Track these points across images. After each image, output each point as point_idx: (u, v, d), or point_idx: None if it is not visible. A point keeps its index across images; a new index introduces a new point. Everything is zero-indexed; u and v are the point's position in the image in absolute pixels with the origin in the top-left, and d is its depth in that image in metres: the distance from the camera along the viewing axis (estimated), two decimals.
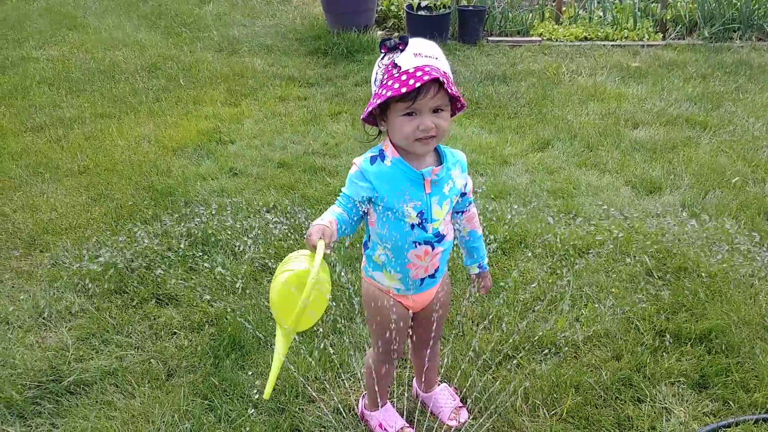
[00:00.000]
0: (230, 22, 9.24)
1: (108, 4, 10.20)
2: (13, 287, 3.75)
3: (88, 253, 4.00)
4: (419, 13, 8.13)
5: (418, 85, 1.95)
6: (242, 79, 7.08)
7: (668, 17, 8.56)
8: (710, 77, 6.89)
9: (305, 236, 1.99)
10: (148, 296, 3.61)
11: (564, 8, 8.99)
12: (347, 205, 2.18)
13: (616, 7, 8.90)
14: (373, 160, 2.17)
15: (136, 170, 5.06)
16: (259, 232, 4.13)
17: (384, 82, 2.02)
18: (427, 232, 2.22)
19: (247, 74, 7.21)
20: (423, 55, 2.01)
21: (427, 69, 1.98)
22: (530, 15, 8.78)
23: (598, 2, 9.12)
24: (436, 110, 2.05)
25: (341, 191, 2.20)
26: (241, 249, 3.96)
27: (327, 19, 8.63)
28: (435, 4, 8.26)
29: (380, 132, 2.22)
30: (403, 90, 1.96)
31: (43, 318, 3.48)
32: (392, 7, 8.90)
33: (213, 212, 4.38)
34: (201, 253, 3.94)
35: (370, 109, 2.06)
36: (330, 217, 2.09)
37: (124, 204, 4.56)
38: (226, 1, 10.25)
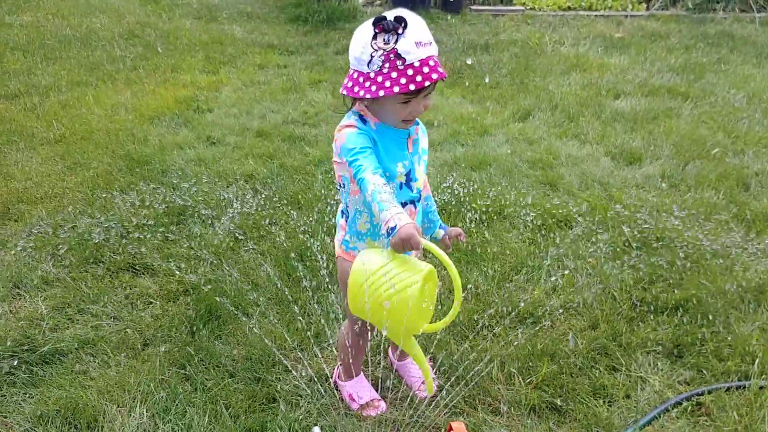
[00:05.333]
0: None
1: None
2: None
3: (63, 222, 3.95)
4: None
5: (427, 84, 1.96)
6: (221, 46, 6.99)
7: None
8: (693, 48, 6.88)
9: (401, 239, 1.86)
10: (124, 266, 3.57)
11: None
12: (374, 159, 2.06)
13: None
14: (361, 122, 2.14)
15: (112, 139, 4.99)
16: (237, 202, 4.09)
17: (386, 72, 1.98)
18: (412, 191, 2.24)
19: (226, 42, 7.12)
20: (423, 43, 1.98)
21: (431, 63, 1.97)
22: None
23: None
24: (426, 94, 2.07)
25: (353, 154, 2.04)
26: (217, 219, 3.93)
27: None
28: None
29: (354, 102, 2.19)
30: (412, 87, 1.96)
31: (18, 288, 3.44)
32: None
33: (190, 182, 4.34)
34: (177, 223, 3.91)
35: (368, 96, 2.01)
36: (396, 203, 1.96)
37: (101, 173, 4.50)
38: None
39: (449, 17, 7.84)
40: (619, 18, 7.93)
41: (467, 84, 6.00)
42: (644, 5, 8.29)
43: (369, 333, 2.55)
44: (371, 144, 2.08)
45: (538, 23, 7.78)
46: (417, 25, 1.99)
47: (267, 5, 8.39)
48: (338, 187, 2.29)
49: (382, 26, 1.98)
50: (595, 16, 8.05)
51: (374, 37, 2.00)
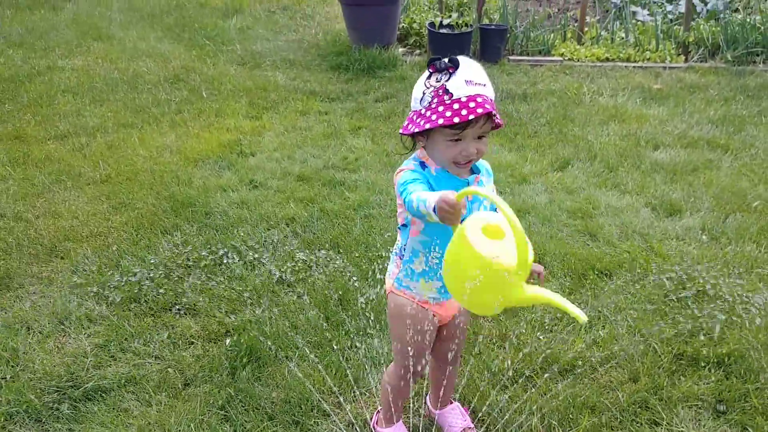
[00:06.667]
0: (253, 36, 9.31)
1: (133, 16, 10.30)
2: (33, 293, 3.79)
3: (108, 261, 4.03)
4: (441, 31, 8.16)
5: (471, 117, 1.98)
6: (264, 92, 7.13)
7: (691, 40, 8.53)
8: (732, 100, 6.85)
9: (439, 202, 1.84)
10: (167, 305, 3.63)
11: (586, 29, 8.99)
12: (422, 185, 2.09)
13: (638, 29, 8.90)
14: (421, 166, 2.19)
15: (157, 180, 5.10)
16: (278, 244, 4.15)
17: (434, 107, 2.04)
18: None
19: (269, 88, 7.26)
20: (474, 82, 2.03)
21: (479, 100, 2.00)
22: (552, 35, 8.78)
23: (621, 23, 9.12)
24: (480, 136, 2.10)
25: (403, 186, 2.10)
26: (259, 261, 3.98)
27: (349, 35, 8.68)
28: (457, 23, 8.29)
29: (415, 145, 2.25)
30: (456, 120, 1.98)
31: (63, 324, 3.51)
32: (414, 25, 8.94)
33: (233, 224, 4.41)
34: (220, 265, 3.97)
35: (416, 130, 2.08)
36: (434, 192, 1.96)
37: (145, 213, 4.60)
38: (250, 15, 10.33)
39: (488, 67, 7.92)
40: (657, 70, 7.94)
41: (505, 132, 6.03)
42: (683, 57, 8.30)
43: (417, 378, 2.55)
44: (424, 180, 2.12)
45: (576, 74, 7.82)
46: (470, 67, 2.06)
47: (309, 53, 8.56)
48: (399, 228, 2.34)
49: (435, 66, 2.06)
50: (634, 67, 8.06)
51: (428, 77, 2.08)
